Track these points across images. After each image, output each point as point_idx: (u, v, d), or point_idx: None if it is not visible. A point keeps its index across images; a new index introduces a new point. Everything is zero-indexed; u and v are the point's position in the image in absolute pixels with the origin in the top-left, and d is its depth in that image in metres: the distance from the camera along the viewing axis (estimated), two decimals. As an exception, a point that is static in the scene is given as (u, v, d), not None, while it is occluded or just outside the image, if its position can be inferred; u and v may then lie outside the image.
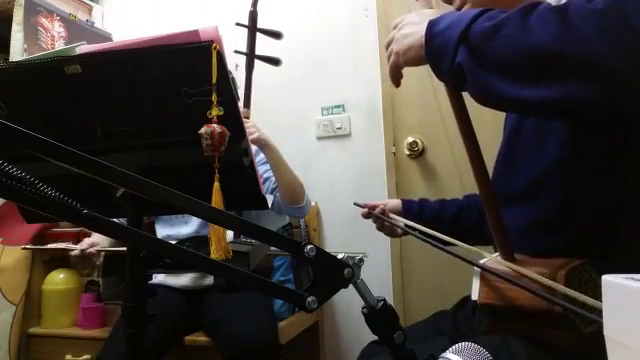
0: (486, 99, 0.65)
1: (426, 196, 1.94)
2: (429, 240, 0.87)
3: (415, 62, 0.73)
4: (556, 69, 0.57)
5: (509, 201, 0.82)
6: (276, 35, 1.68)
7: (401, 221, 1.15)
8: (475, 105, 0.71)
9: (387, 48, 0.80)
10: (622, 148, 0.70)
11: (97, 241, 1.55)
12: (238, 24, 1.65)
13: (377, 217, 1.22)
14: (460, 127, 0.76)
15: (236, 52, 1.64)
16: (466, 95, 0.71)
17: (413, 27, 0.73)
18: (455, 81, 0.68)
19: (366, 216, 1.26)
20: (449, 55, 0.65)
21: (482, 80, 0.63)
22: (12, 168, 0.44)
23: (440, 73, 0.70)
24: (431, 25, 0.69)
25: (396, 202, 1.25)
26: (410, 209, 1.22)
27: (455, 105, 0.76)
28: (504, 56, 0.60)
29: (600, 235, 0.72)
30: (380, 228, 1.27)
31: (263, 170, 1.64)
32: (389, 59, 0.79)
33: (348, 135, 2.06)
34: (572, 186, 0.75)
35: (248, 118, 1.59)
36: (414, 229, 1.04)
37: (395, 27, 0.78)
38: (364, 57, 2.04)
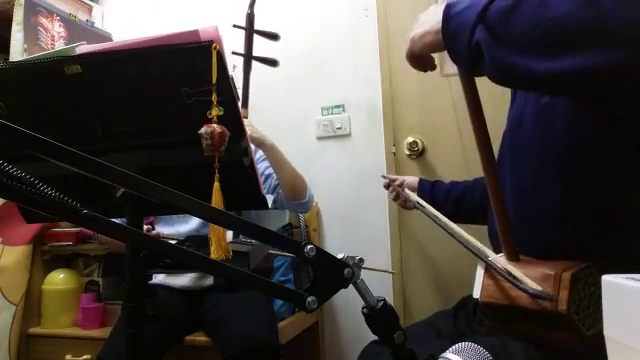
0: (504, 77, 0.65)
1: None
2: (436, 220, 0.95)
3: (431, 48, 0.74)
4: (578, 40, 0.56)
5: (513, 197, 0.82)
6: (273, 37, 1.68)
7: (414, 197, 1.28)
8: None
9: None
10: (622, 141, 0.70)
11: None
12: (235, 26, 1.65)
13: (393, 188, 1.43)
14: (471, 113, 0.76)
15: (234, 54, 1.64)
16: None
17: (429, 17, 0.73)
18: (471, 62, 0.67)
19: (386, 186, 1.49)
20: (466, 35, 0.65)
21: (501, 57, 0.62)
22: (12, 168, 0.44)
23: (456, 55, 0.70)
24: (448, 7, 0.69)
25: (414, 179, 1.41)
26: (423, 188, 1.36)
27: (467, 89, 0.75)
28: (524, 32, 0.60)
29: (601, 234, 0.72)
30: (395, 198, 1.47)
31: (263, 167, 1.64)
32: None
33: (348, 135, 2.06)
34: (573, 184, 0.75)
35: (246, 118, 1.59)
36: (424, 207, 1.17)
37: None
38: (364, 57, 2.03)
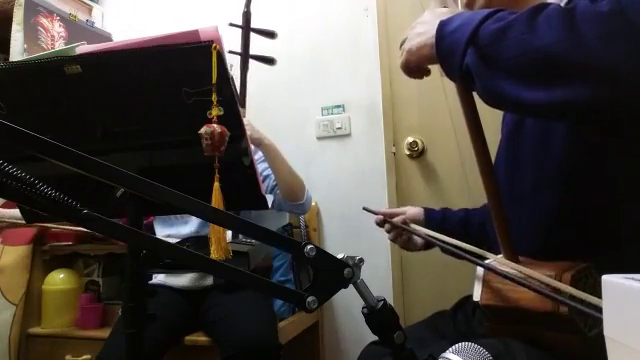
0: (493, 101, 0.66)
1: (426, 196, 1.94)
2: (462, 254, 0.80)
3: (428, 61, 0.74)
4: (559, 72, 0.57)
5: (511, 201, 0.82)
6: (270, 35, 1.68)
7: (422, 231, 1.02)
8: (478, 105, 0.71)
9: (400, 47, 0.80)
10: (620, 149, 0.70)
11: None
12: (232, 24, 1.65)
13: (396, 227, 1.09)
14: (468, 125, 0.76)
15: (230, 52, 1.64)
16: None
17: (426, 26, 0.73)
18: (464, 82, 0.68)
19: (380, 224, 1.14)
20: (458, 57, 0.66)
21: (489, 82, 0.63)
22: (12, 168, 0.44)
23: (450, 73, 0.70)
24: (442, 25, 0.69)
25: (416, 210, 1.12)
26: (433, 218, 1.10)
27: (464, 102, 0.75)
28: (511, 58, 0.60)
29: (601, 235, 0.72)
30: (395, 238, 1.14)
31: (262, 168, 1.64)
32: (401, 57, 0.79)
33: (348, 135, 2.06)
34: (573, 187, 0.75)
35: (244, 117, 1.60)
36: (439, 240, 0.91)
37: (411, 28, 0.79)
38: (364, 57, 2.04)
